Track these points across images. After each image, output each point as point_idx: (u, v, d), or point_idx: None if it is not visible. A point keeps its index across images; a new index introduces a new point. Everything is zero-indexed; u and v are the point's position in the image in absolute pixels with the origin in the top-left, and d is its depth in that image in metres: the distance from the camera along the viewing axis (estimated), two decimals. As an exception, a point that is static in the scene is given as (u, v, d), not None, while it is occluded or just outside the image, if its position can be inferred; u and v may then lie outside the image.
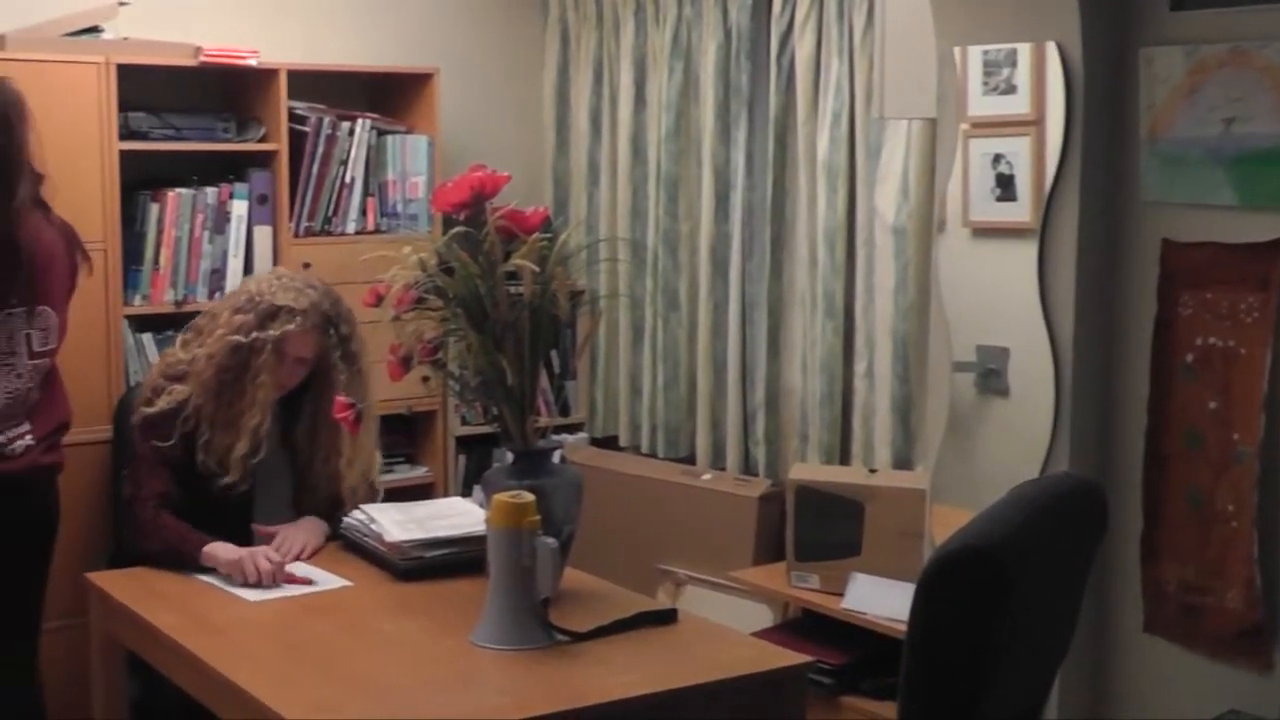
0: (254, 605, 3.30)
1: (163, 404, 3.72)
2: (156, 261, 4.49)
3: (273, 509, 3.79)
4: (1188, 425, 3.32)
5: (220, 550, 3.50)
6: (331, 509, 3.79)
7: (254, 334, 3.67)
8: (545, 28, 5.62)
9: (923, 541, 3.84)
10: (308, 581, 3.44)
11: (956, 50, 3.64)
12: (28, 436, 3.64)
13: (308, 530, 3.71)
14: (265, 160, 4.68)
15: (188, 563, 3.53)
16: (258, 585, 3.41)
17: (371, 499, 3.85)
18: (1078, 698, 3.52)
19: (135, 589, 3.43)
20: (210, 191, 4.57)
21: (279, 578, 3.44)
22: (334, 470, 3.78)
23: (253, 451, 3.66)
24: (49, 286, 3.64)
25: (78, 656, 3.76)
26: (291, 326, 3.68)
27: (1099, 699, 3.55)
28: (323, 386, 3.76)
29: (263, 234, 4.63)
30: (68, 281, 3.74)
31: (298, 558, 3.60)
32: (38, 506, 3.73)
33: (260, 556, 3.47)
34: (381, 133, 4.94)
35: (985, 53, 3.57)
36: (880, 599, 4.06)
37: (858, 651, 4.13)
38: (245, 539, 3.63)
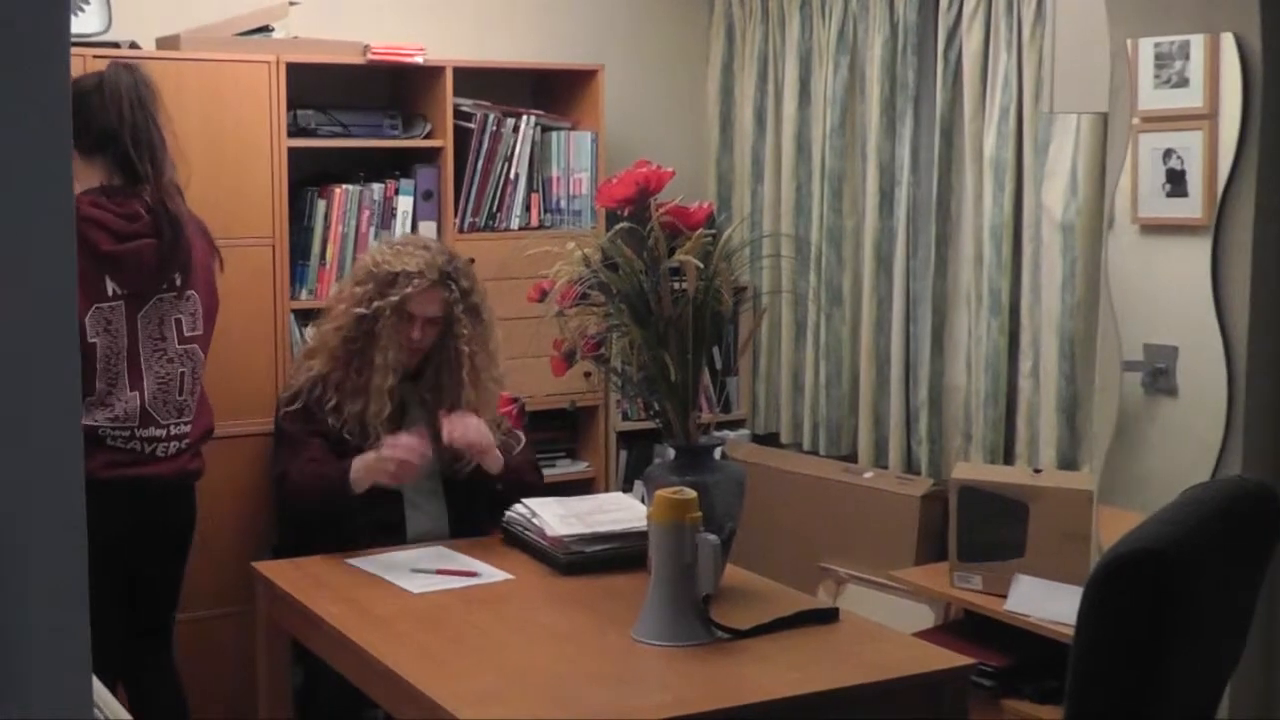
0: (416, 596, 3.33)
1: (299, 382, 3.90)
2: (323, 257, 4.55)
3: (419, 481, 3.87)
4: (1368, 428, 3.23)
5: (359, 461, 3.68)
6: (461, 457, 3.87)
7: (375, 303, 3.80)
8: (710, 24, 5.62)
9: (1089, 544, 3.77)
10: (470, 574, 3.47)
11: (1129, 42, 3.57)
12: (185, 439, 3.68)
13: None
14: (431, 156, 4.72)
15: (340, 493, 3.67)
16: (407, 466, 3.60)
17: (509, 443, 3.92)
18: (1247, 708, 3.43)
19: (300, 579, 3.49)
20: (376, 188, 4.63)
21: (417, 448, 3.62)
22: None
23: (383, 411, 3.78)
24: (194, 271, 3.67)
25: (243, 644, 3.83)
26: (410, 289, 3.79)
27: (1269, 710, 3.46)
28: (447, 338, 3.87)
29: (428, 230, 4.67)
30: (208, 272, 3.77)
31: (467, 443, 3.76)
32: (182, 511, 3.79)
33: (388, 447, 3.63)
34: (546, 129, 4.96)
35: (1156, 45, 3.50)
36: (1044, 601, 4.00)
37: (1020, 654, 4.07)
38: (395, 510, 3.81)
